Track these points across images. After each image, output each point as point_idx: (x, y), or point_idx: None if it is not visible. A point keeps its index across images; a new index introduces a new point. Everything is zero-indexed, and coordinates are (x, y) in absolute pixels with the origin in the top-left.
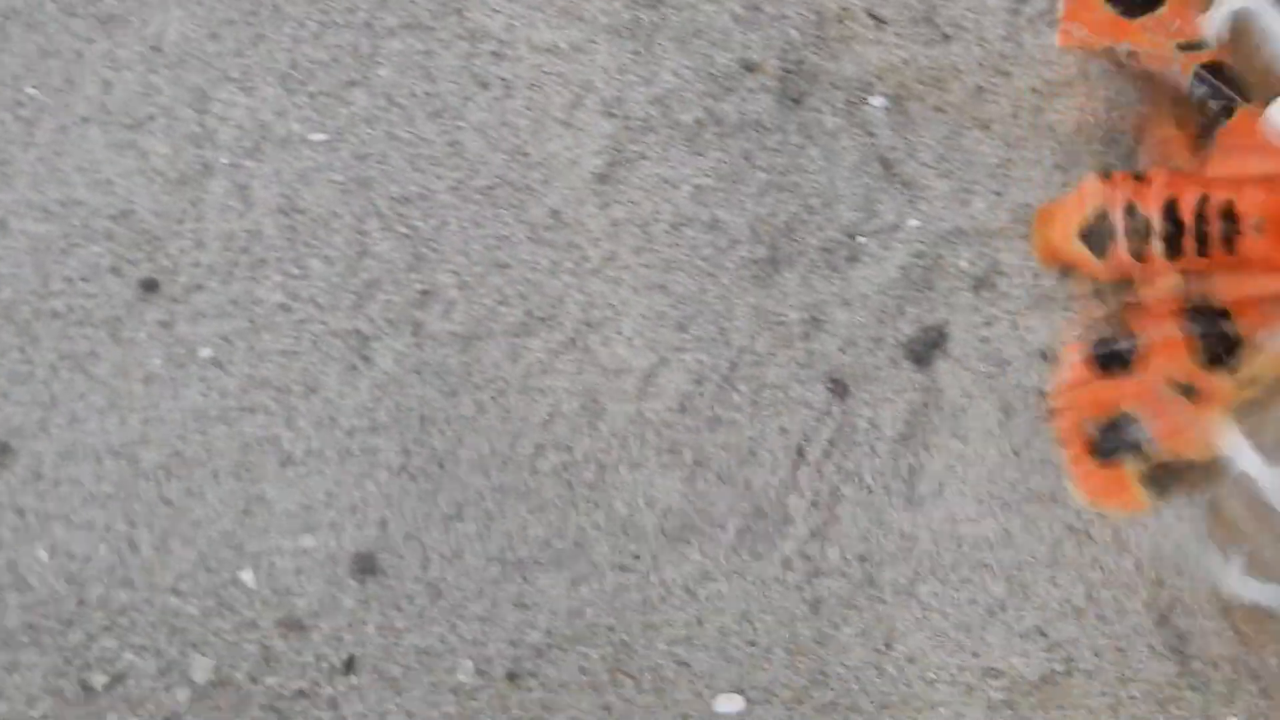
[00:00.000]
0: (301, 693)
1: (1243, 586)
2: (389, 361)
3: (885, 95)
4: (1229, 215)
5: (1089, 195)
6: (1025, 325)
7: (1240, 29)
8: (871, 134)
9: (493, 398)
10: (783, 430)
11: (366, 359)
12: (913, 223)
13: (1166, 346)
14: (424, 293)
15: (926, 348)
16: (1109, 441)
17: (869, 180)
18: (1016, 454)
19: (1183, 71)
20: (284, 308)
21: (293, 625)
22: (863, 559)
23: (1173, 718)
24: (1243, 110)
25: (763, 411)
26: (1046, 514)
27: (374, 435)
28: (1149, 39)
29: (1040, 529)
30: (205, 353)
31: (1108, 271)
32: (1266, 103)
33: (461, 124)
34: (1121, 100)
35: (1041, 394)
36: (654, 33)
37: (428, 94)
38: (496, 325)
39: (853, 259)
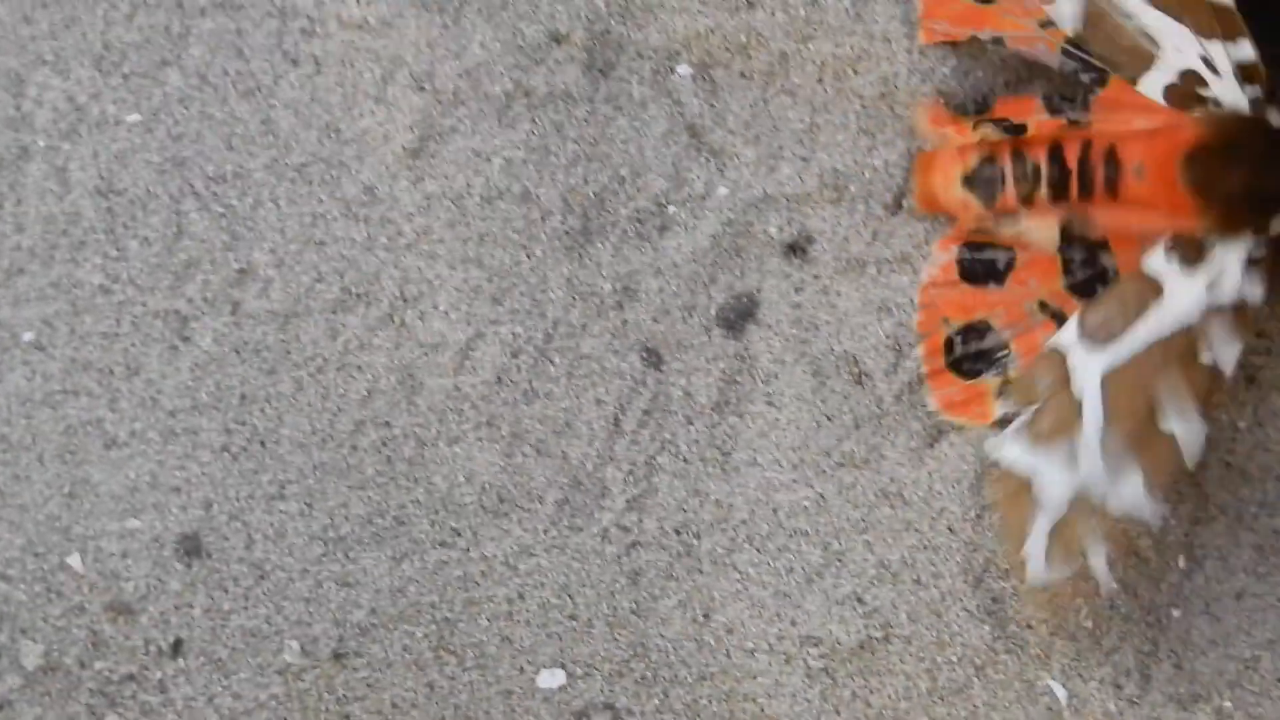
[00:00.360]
0: (130, 677)
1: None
2: (208, 341)
3: (691, 64)
4: (1111, 160)
5: (973, 142)
6: (835, 290)
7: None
8: (679, 103)
9: (311, 375)
10: (598, 401)
11: (186, 339)
12: (722, 190)
13: (1039, 265)
14: (241, 271)
15: (738, 315)
16: (967, 346)
17: (678, 149)
18: (830, 420)
19: (1050, 49)
20: (104, 289)
21: (121, 609)
22: (680, 530)
23: (990, 681)
24: (1114, 78)
25: (578, 383)
26: (861, 479)
27: (196, 415)
28: (1010, 22)
29: (855, 495)
30: (27, 336)
31: (990, 217)
32: (1133, 79)
33: (274, 102)
34: (920, 67)
35: (853, 358)
36: (462, 6)
37: (240, 73)
38: (314, 303)
39: (664, 228)
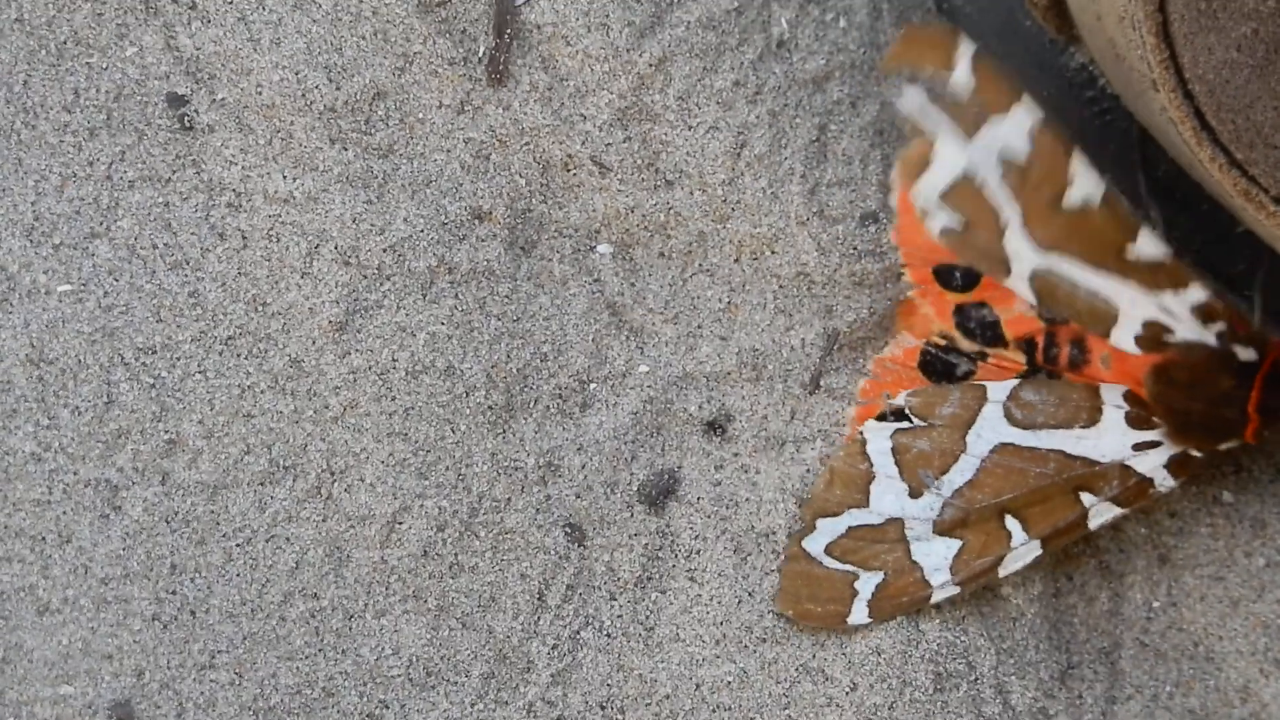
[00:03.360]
0: None
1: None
2: (139, 510)
3: (611, 243)
4: (1079, 344)
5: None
6: (755, 468)
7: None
8: (599, 281)
9: (240, 546)
10: (523, 576)
11: (117, 508)
12: (642, 368)
13: (996, 377)
14: (171, 442)
15: (660, 492)
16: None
17: (598, 327)
18: (751, 595)
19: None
20: (36, 457)
21: None
22: (604, 705)
23: None
24: None
25: (503, 557)
26: (782, 655)
27: (127, 584)
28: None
29: (777, 670)
30: None
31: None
32: (1103, 334)
33: (201, 275)
34: (836, 248)
35: (770, 534)
36: (386, 182)
37: (168, 245)
38: (242, 474)
39: (586, 405)
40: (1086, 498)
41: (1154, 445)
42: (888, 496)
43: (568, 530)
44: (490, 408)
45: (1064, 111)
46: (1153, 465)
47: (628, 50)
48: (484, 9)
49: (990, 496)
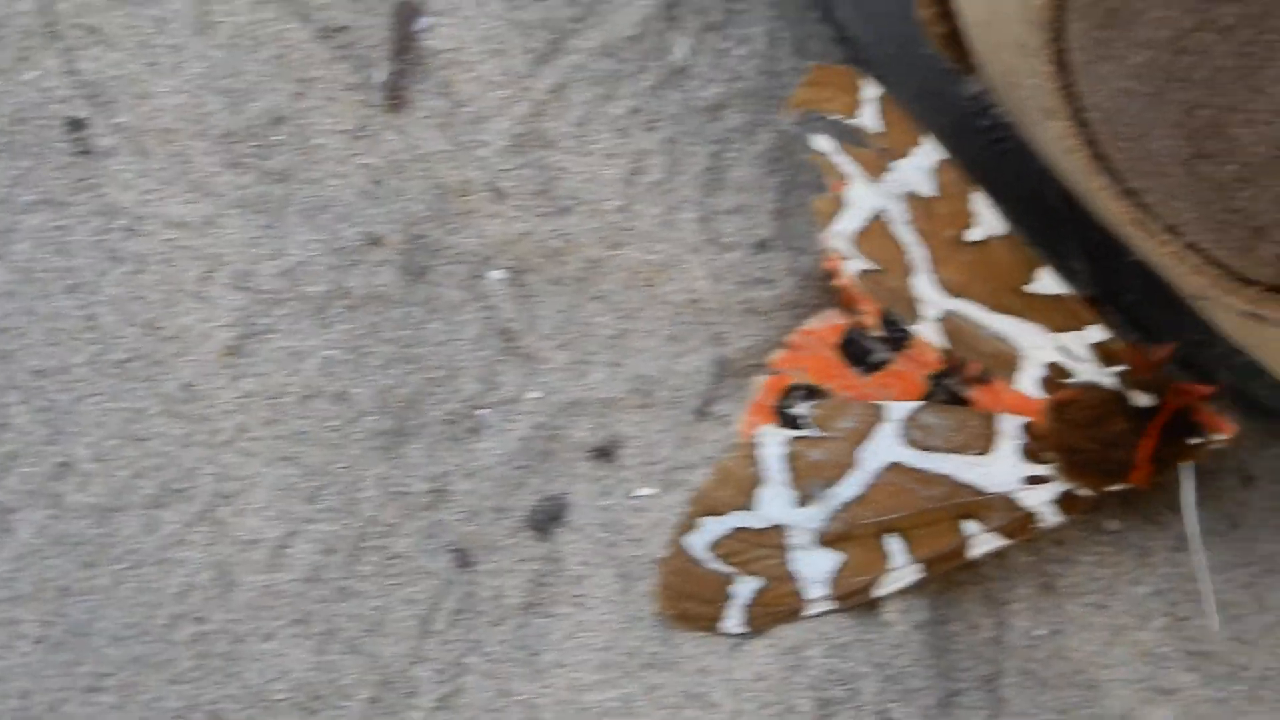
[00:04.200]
0: None
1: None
2: (29, 533)
3: (505, 268)
4: (983, 374)
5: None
6: (642, 494)
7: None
8: (492, 307)
9: (129, 569)
10: (410, 600)
11: (7, 530)
12: (533, 394)
13: (907, 381)
14: (62, 465)
15: (548, 518)
16: (804, 402)
17: (490, 352)
18: (637, 621)
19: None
20: None
21: None
22: None
23: None
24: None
25: (390, 582)
26: (667, 681)
27: (15, 606)
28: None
29: (661, 696)
30: None
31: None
32: (1008, 380)
33: (97, 298)
34: (728, 275)
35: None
36: (282, 207)
37: (64, 269)
38: (133, 497)
39: (475, 430)
40: (970, 526)
41: (1044, 481)
42: (775, 502)
43: (455, 555)
44: (381, 433)
45: (960, 140)
46: (1041, 500)
47: (526, 77)
48: (383, 35)
49: (876, 514)
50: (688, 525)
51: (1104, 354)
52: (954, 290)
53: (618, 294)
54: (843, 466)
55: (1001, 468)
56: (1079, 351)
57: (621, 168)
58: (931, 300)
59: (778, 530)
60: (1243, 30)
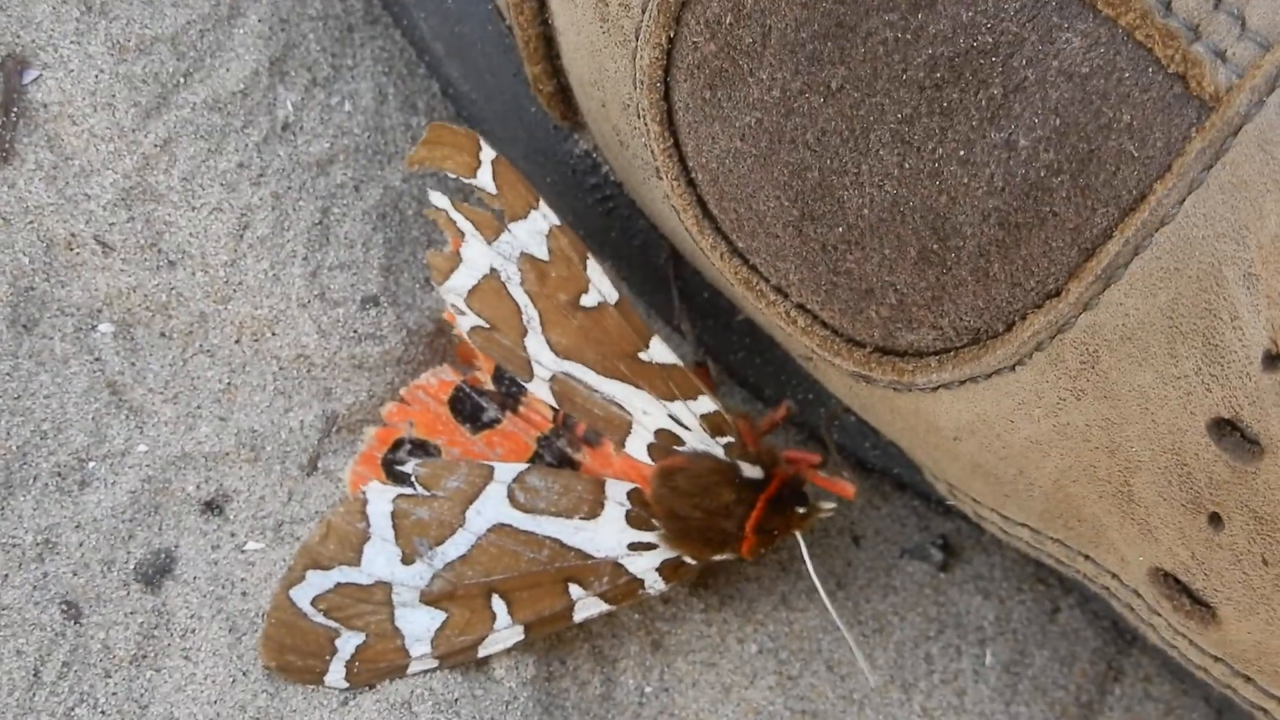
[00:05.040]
0: None
1: None
2: None
3: (113, 322)
4: (591, 434)
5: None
6: (251, 548)
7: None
8: (100, 360)
9: None
10: (19, 652)
11: None
12: (141, 448)
13: (514, 443)
14: None
15: (156, 571)
16: (411, 456)
17: (99, 405)
18: (245, 675)
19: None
20: None
21: None
22: None
23: None
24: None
25: None
26: None
27: None
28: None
29: None
30: None
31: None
32: (620, 443)
33: None
34: (336, 330)
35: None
36: None
37: None
38: None
39: (84, 483)
40: (575, 590)
41: (649, 547)
42: (380, 559)
43: (64, 607)
44: None
45: (569, 198)
46: (645, 567)
47: (133, 130)
48: None
49: (481, 574)
50: (293, 579)
51: (713, 425)
52: (563, 353)
53: (226, 348)
54: (449, 526)
55: (608, 532)
56: (689, 420)
57: (229, 222)
58: (543, 361)
59: (382, 587)
60: (850, 93)
